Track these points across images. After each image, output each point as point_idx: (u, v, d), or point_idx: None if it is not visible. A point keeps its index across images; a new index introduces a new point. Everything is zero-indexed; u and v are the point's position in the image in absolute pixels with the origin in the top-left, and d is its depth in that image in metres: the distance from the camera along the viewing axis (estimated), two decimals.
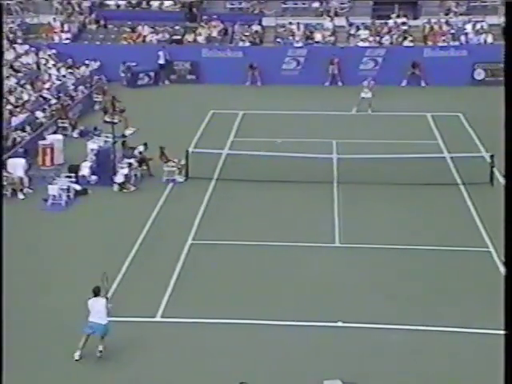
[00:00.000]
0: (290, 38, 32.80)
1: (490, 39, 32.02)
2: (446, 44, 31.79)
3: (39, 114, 23.96)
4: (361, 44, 32.16)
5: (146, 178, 20.20)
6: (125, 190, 19.29)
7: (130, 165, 19.73)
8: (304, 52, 31.80)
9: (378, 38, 32.35)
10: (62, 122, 24.45)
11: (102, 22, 34.18)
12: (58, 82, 27.90)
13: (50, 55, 30.93)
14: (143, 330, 12.59)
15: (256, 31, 33.07)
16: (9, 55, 29.12)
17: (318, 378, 10.91)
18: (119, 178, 19.36)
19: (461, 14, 33.47)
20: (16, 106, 23.68)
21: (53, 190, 18.47)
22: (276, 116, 26.44)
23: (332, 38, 32.71)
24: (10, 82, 25.76)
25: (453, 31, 32.45)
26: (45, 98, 25.70)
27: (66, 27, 33.39)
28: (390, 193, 18.91)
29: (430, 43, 32.07)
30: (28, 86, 26.35)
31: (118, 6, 35.28)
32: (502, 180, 19.53)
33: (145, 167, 20.37)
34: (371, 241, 16.08)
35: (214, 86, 30.19)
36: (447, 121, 25.61)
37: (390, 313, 13.08)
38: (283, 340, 12.30)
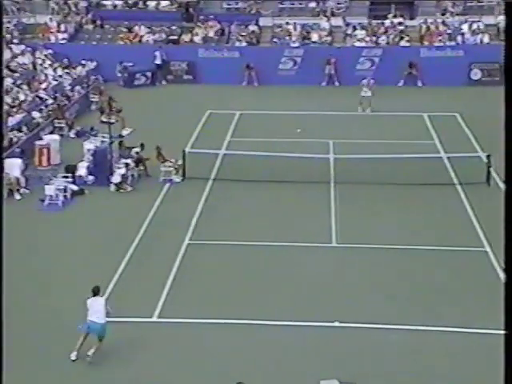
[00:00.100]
0: (287, 38, 32.81)
1: (486, 39, 32.08)
2: (442, 44, 31.83)
3: (36, 114, 23.93)
4: (357, 44, 32.19)
5: (143, 178, 20.19)
6: (122, 190, 19.27)
7: (126, 165, 19.71)
8: (301, 52, 31.81)
9: (374, 38, 32.38)
10: (59, 122, 24.42)
11: (98, 22, 34.15)
12: (55, 82, 27.87)
13: (46, 55, 30.90)
14: (140, 330, 12.58)
15: (253, 31, 33.07)
16: (5, 55, 29.06)
17: (316, 378, 10.91)
18: (116, 178, 19.34)
19: (457, 14, 33.52)
20: (12, 107, 23.65)
21: (49, 190, 18.45)
22: (273, 116, 26.45)
23: (329, 38, 32.73)
24: (7, 83, 25.70)
25: (449, 31, 32.50)
26: (41, 98, 25.68)
27: (62, 27, 33.35)
28: (387, 193, 18.93)
29: (426, 43, 32.11)
30: (24, 86, 26.32)
31: (115, 6, 35.25)
32: (498, 180, 19.57)
33: (142, 167, 20.36)
34: (368, 241, 16.09)
35: (210, 86, 30.18)
36: (444, 121, 25.64)
37: (388, 313, 13.10)
38: (280, 340, 12.30)
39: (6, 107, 23.05)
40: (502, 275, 14.45)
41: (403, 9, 34.20)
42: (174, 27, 33.55)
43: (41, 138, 22.07)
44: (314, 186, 19.27)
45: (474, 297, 13.71)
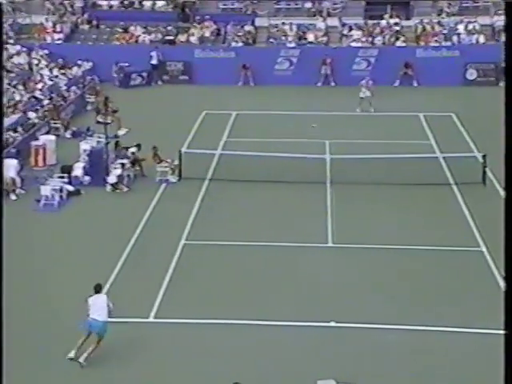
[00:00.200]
0: (283, 38, 32.84)
1: (481, 39, 32.16)
2: (438, 44, 31.90)
3: (31, 114, 23.89)
4: (353, 44, 32.22)
5: (139, 179, 20.17)
6: (118, 191, 19.26)
7: (122, 165, 19.70)
8: (297, 52, 31.84)
9: (370, 39, 32.42)
10: (55, 123, 24.39)
11: (94, 23, 34.12)
12: (51, 83, 27.83)
13: (42, 55, 30.85)
14: (137, 330, 12.57)
15: (249, 31, 33.09)
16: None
17: (313, 378, 10.91)
18: (112, 179, 19.32)
19: (453, 15, 33.61)
20: (8, 107, 23.60)
21: (45, 190, 18.42)
22: (269, 116, 26.45)
23: (325, 39, 32.76)
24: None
25: (445, 31, 32.57)
26: (37, 99, 25.63)
27: (58, 27, 33.32)
28: (383, 193, 18.95)
29: (422, 43, 32.17)
30: (20, 87, 26.27)
31: (111, 7, 35.23)
32: (494, 180, 19.61)
33: (138, 168, 20.35)
34: (364, 241, 16.11)
35: (206, 87, 30.18)
36: (440, 121, 25.68)
37: (384, 313, 13.10)
38: (277, 340, 12.30)
39: None
40: (497, 275, 14.47)
41: (399, 9, 34.26)
42: (169, 27, 33.54)
43: (37, 139, 22.04)
44: (311, 186, 19.28)
45: (471, 297, 13.72)
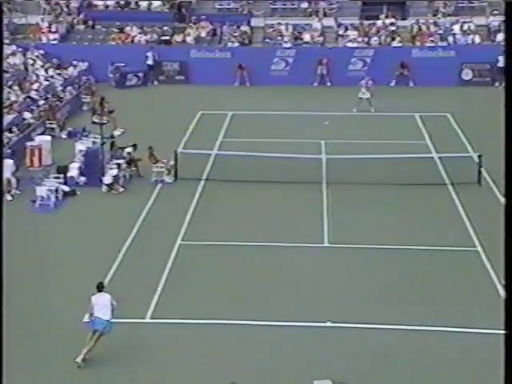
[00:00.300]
0: (279, 38, 32.84)
1: (477, 40, 32.21)
2: (433, 44, 31.94)
3: (27, 114, 23.84)
4: (349, 44, 32.24)
5: (135, 179, 20.15)
6: (113, 191, 19.23)
7: (118, 166, 19.67)
8: (293, 52, 31.85)
9: (366, 39, 32.44)
10: (50, 123, 24.35)
11: (90, 23, 34.07)
12: (46, 83, 27.78)
13: (37, 56, 30.80)
14: (133, 330, 12.55)
15: (245, 32, 33.09)
16: None
17: (309, 378, 10.92)
18: (108, 179, 19.30)
19: (448, 15, 33.66)
20: (3, 107, 23.56)
21: (41, 191, 18.39)
22: (265, 116, 26.46)
23: (321, 39, 32.78)
24: None
25: (440, 32, 32.61)
26: (32, 99, 25.59)
27: (53, 28, 33.27)
28: (379, 193, 18.97)
29: (418, 44, 32.21)
30: (15, 87, 26.22)
31: (107, 7, 35.19)
32: (489, 180, 19.65)
33: (133, 168, 20.33)
34: (360, 241, 16.12)
35: (202, 87, 30.17)
36: (435, 121, 25.72)
37: (381, 313, 13.11)
38: (273, 340, 12.31)
39: None
40: (493, 274, 14.50)
41: (395, 9, 34.31)
42: (165, 28, 33.52)
43: (32, 139, 22.00)
44: (306, 187, 19.28)
45: (467, 297, 13.74)
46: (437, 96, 28.78)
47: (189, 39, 32.98)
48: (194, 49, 32.17)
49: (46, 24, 33.37)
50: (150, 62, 31.66)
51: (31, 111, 24.29)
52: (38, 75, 28.45)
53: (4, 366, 6.24)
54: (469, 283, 14.33)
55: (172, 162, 20.15)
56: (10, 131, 21.96)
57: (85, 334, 11.92)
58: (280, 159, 20.34)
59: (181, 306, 13.39)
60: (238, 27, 33.23)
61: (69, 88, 28.05)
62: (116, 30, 33.39)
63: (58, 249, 15.94)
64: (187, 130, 24.72)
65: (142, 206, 18.09)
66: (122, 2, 34.98)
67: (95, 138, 21.16)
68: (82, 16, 34.29)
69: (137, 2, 34.90)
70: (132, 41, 33.13)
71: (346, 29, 32.95)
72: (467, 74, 31.24)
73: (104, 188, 19.27)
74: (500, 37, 31.89)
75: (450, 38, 32.32)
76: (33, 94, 25.98)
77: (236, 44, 32.53)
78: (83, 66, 30.99)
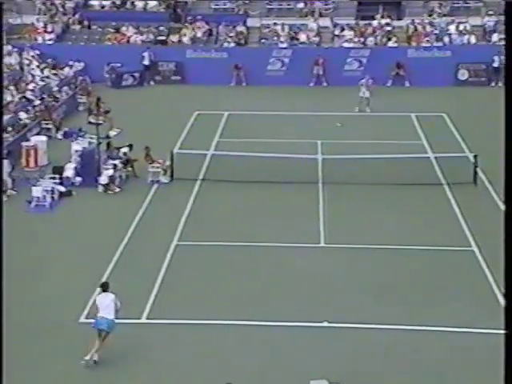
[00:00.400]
0: (275, 38, 32.85)
1: (473, 40, 32.27)
2: (429, 44, 31.98)
3: (23, 115, 23.79)
4: (345, 45, 32.26)
5: (131, 179, 20.14)
6: (109, 192, 19.21)
7: (114, 166, 19.65)
8: (289, 53, 31.86)
9: (362, 39, 32.47)
10: (46, 123, 24.31)
11: (85, 23, 34.01)
12: (42, 83, 27.74)
13: (33, 56, 30.75)
14: (129, 331, 12.53)
15: (241, 32, 33.08)
16: None
17: (305, 378, 10.92)
18: (104, 180, 19.28)
19: (444, 15, 33.71)
20: None
21: (37, 191, 18.36)
22: (261, 116, 26.46)
23: (317, 39, 32.80)
24: None
25: (436, 32, 32.66)
26: (28, 99, 25.54)
27: (49, 28, 33.20)
28: (374, 193, 18.99)
29: (413, 44, 32.25)
30: (11, 87, 26.16)
31: (102, 7, 35.14)
32: (485, 180, 19.69)
33: (130, 168, 20.31)
34: (356, 241, 16.13)
35: (198, 87, 30.16)
36: (431, 121, 25.76)
37: (377, 313, 13.13)
38: (270, 340, 12.31)
39: None
40: (489, 274, 14.53)
41: (390, 9, 34.33)
42: (161, 28, 33.49)
43: (28, 139, 21.96)
44: (303, 187, 19.29)
45: (462, 296, 13.75)
46: (433, 96, 28.83)
47: (185, 39, 32.96)
48: (190, 49, 32.16)
49: (41, 24, 33.30)
50: (146, 62, 31.63)
51: (27, 111, 24.24)
52: (33, 75, 28.40)
53: (4, 366, 6.23)
54: (465, 283, 14.34)
55: (168, 163, 20.14)
56: (6, 131, 21.92)
57: (82, 333, 11.97)
58: (276, 159, 20.34)
59: (177, 307, 13.39)
60: (234, 27, 33.22)
61: (65, 88, 28.01)
62: (112, 30, 33.35)
63: (54, 249, 15.91)
64: (183, 131, 24.71)
65: (138, 207, 18.08)
66: (117, 2, 34.93)
67: (91, 138, 21.13)
68: (77, 16, 34.22)
69: (133, 2, 34.85)
70: (128, 41, 33.09)
71: (342, 29, 32.97)
72: (463, 74, 31.29)
73: (100, 188, 19.24)
74: (495, 37, 31.97)
75: (446, 38, 32.37)
76: (28, 95, 25.93)
77: (232, 44, 32.52)
78: (79, 66, 30.94)
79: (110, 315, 11.40)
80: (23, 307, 13.22)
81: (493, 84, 30.88)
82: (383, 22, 33.26)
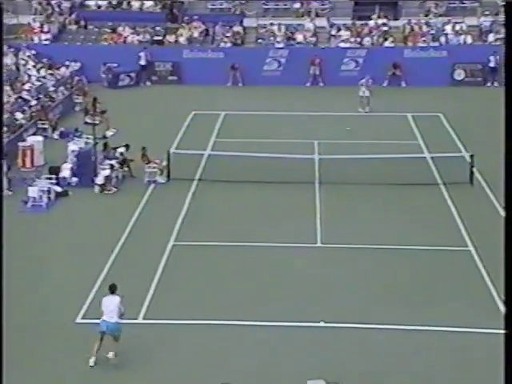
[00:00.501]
0: (272, 38, 32.87)
1: (469, 40, 32.33)
2: (425, 45, 32.03)
3: (19, 115, 23.76)
4: (342, 45, 32.30)
5: (128, 180, 20.13)
6: (106, 192, 19.20)
7: (111, 166, 19.64)
8: (285, 53, 31.88)
9: (358, 39, 32.51)
10: (42, 124, 24.29)
11: (82, 23, 33.99)
12: (38, 83, 27.70)
13: (29, 56, 30.70)
14: (126, 331, 12.51)
15: (237, 32, 33.09)
16: None
17: (302, 378, 10.93)
18: (100, 180, 19.27)
19: (440, 15, 33.77)
20: None
21: (33, 191, 18.34)
22: (258, 116, 26.47)
23: (313, 39, 32.82)
24: None
25: (432, 32, 32.71)
26: (24, 99, 25.50)
27: (45, 28, 33.16)
28: (371, 193, 19.01)
29: (410, 44, 32.31)
30: (7, 87, 26.11)
31: (99, 7, 35.11)
32: (481, 180, 19.74)
33: (126, 168, 20.30)
34: (353, 241, 16.15)
35: (195, 87, 30.16)
36: (428, 121, 25.80)
37: (374, 313, 13.14)
38: (267, 340, 12.31)
39: None
40: (485, 275, 14.55)
41: (387, 9, 34.39)
42: (158, 28, 33.48)
43: (24, 140, 21.94)
44: (299, 187, 19.31)
45: (460, 296, 13.76)
46: (429, 96, 28.88)
47: (181, 39, 32.95)
48: (187, 49, 32.16)
49: (37, 24, 33.26)
50: (142, 62, 31.63)
51: (23, 112, 24.21)
52: (29, 75, 28.36)
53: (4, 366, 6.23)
54: (462, 283, 14.36)
55: (165, 163, 20.13)
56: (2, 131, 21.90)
57: (79, 333, 11.98)
58: (273, 159, 20.36)
59: (174, 307, 13.38)
60: (231, 27, 33.23)
61: (61, 88, 27.98)
62: (108, 31, 33.32)
63: (51, 250, 15.89)
64: (180, 131, 24.71)
65: (135, 207, 18.07)
66: (114, 2, 34.90)
67: (88, 138, 21.13)
68: (73, 16, 34.19)
69: (129, 3, 34.84)
70: (124, 41, 33.07)
71: (339, 29, 33.01)
72: (459, 74, 31.35)
73: (96, 188, 19.23)
74: (491, 37, 32.04)
75: (442, 39, 32.42)
76: (24, 95, 25.89)
77: (228, 44, 32.52)
78: (75, 66, 30.92)
79: (112, 318, 11.40)
80: (20, 307, 13.20)
81: (489, 84, 30.94)
82: (380, 22, 33.31)
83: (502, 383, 4.85)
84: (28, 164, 20.89)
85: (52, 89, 27.58)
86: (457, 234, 16.54)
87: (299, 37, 32.79)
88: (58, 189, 18.95)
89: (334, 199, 18.59)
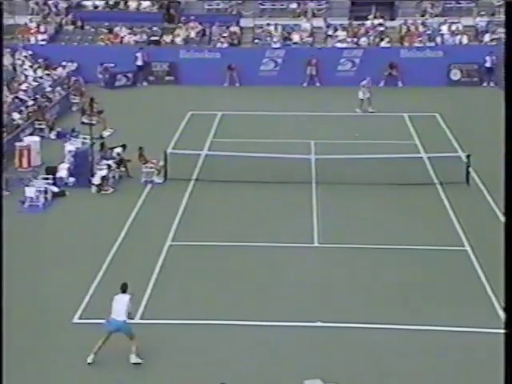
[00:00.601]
0: (268, 38, 32.90)
1: (465, 40, 32.41)
2: (422, 45, 32.10)
3: (15, 115, 23.75)
4: (338, 45, 32.35)
5: (125, 180, 20.13)
6: (103, 192, 19.20)
7: (108, 166, 19.64)
8: (282, 53, 31.91)
9: (355, 39, 32.55)
10: (39, 124, 24.28)
11: (78, 23, 33.97)
12: (35, 84, 27.69)
13: (26, 56, 30.68)
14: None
15: (234, 32, 33.11)
16: None
17: (299, 378, 10.95)
18: (97, 180, 19.27)
19: (436, 16, 33.84)
20: None
21: (30, 191, 18.33)
22: (254, 117, 26.49)
23: (310, 39, 32.86)
24: None
25: (429, 32, 32.78)
26: (21, 100, 25.49)
27: (42, 28, 33.14)
28: (368, 193, 19.05)
29: (406, 44, 32.37)
30: (4, 88, 26.09)
31: (96, 7, 35.10)
32: (477, 179, 19.79)
33: (123, 168, 20.30)
34: (349, 241, 16.18)
35: (192, 87, 30.17)
36: (424, 121, 25.85)
37: (370, 312, 13.17)
38: (263, 340, 12.33)
39: None
40: (481, 274, 14.60)
41: (383, 10, 34.44)
42: (155, 28, 33.49)
43: (21, 140, 21.92)
44: (296, 187, 19.33)
45: (459, 296, 13.79)
46: (425, 96, 28.93)
47: (178, 40, 32.96)
48: (184, 49, 32.17)
49: (34, 24, 33.24)
50: (139, 62, 31.62)
51: (20, 112, 24.20)
52: (26, 76, 28.34)
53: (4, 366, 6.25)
54: (460, 283, 14.38)
55: (162, 163, 20.14)
56: None
57: (76, 333, 11.98)
58: (270, 159, 20.38)
59: (171, 307, 13.40)
60: (228, 28, 33.25)
61: (58, 89, 27.97)
62: (105, 31, 33.32)
63: (47, 250, 15.89)
64: (177, 131, 24.71)
65: (132, 207, 18.08)
66: (110, 3, 34.90)
67: (84, 138, 21.12)
68: (70, 16, 34.17)
69: (126, 3, 34.83)
70: (121, 41, 33.07)
71: (335, 29, 33.06)
72: (455, 75, 31.42)
73: (93, 189, 19.23)
74: (487, 37, 32.12)
75: (438, 39, 32.49)
76: (21, 95, 25.87)
77: (225, 44, 32.55)
78: (72, 66, 30.91)
79: (119, 317, 11.44)
80: (16, 307, 13.19)
81: (485, 84, 31.02)
82: (376, 22, 33.36)
83: (501, 383, 4.86)
84: (25, 164, 20.88)
85: (49, 89, 27.57)
86: (453, 234, 16.58)
87: (296, 37, 32.83)
88: (55, 189, 18.95)
89: (331, 199, 18.62)
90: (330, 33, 33.07)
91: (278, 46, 32.33)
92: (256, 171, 19.88)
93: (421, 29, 32.94)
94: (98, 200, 18.88)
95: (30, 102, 25.33)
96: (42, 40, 32.76)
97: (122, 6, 34.90)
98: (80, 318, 12.86)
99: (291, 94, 29.51)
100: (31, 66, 29.75)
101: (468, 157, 19.72)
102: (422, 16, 33.88)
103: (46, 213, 18.04)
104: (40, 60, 30.41)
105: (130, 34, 33.12)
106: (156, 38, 33.06)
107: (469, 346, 12.09)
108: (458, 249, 15.85)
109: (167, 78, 31.86)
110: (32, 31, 32.96)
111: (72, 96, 28.28)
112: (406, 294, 13.93)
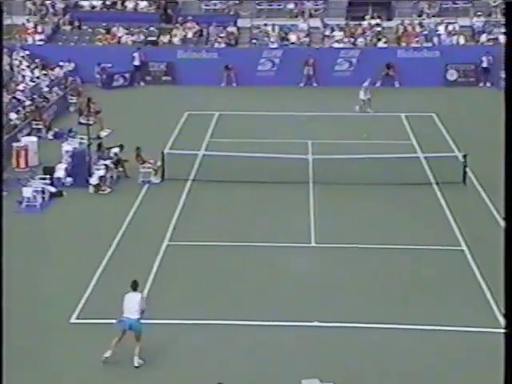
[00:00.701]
0: (265, 39, 32.92)
1: (461, 40, 32.47)
2: (419, 45, 32.15)
3: (13, 115, 23.75)
4: (335, 45, 32.38)
5: (122, 180, 20.14)
6: (100, 192, 19.21)
7: (105, 166, 19.65)
8: (279, 53, 31.94)
9: (352, 40, 32.60)
10: (37, 124, 24.27)
11: (76, 23, 33.95)
12: (32, 84, 27.68)
13: (23, 56, 30.67)
14: (120, 331, 12.54)
15: (231, 32, 33.13)
16: None
17: (297, 378, 10.98)
18: (94, 180, 19.28)
19: (433, 16, 33.89)
20: None
21: (27, 192, 18.34)
22: (252, 117, 26.51)
23: (307, 39, 32.89)
24: None
25: (425, 32, 32.84)
26: (18, 100, 25.48)
27: (39, 28, 33.12)
28: (365, 193, 19.08)
29: (403, 44, 32.42)
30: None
31: (93, 7, 35.09)
32: (474, 179, 19.84)
33: (121, 169, 20.31)
34: (347, 240, 16.21)
35: (189, 88, 30.17)
36: (421, 121, 25.89)
37: (368, 312, 13.20)
38: (261, 340, 12.36)
39: None
40: (478, 274, 14.64)
41: (380, 10, 34.49)
42: (152, 28, 33.48)
43: (18, 140, 21.92)
44: (293, 187, 19.36)
45: (455, 296, 13.83)
46: (422, 96, 28.98)
47: (175, 40, 32.97)
48: (181, 49, 32.17)
49: (31, 24, 33.22)
50: (136, 62, 31.61)
51: (17, 112, 24.19)
52: (23, 76, 28.32)
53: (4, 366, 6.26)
54: (457, 282, 14.43)
55: (159, 163, 20.16)
56: None
57: (74, 333, 11.97)
58: (267, 159, 20.40)
59: (168, 307, 13.41)
60: (225, 28, 33.27)
61: (55, 89, 27.96)
62: (102, 31, 33.30)
63: (45, 250, 15.89)
64: (174, 131, 24.72)
65: (129, 207, 18.09)
66: (108, 3, 34.89)
67: (82, 138, 21.12)
68: (67, 16, 34.15)
69: (123, 3, 34.82)
70: (118, 41, 33.05)
71: (332, 29, 33.09)
72: (452, 75, 31.48)
73: (91, 189, 19.24)
74: (484, 38, 32.18)
75: (435, 39, 32.55)
76: (19, 95, 25.87)
77: (223, 45, 32.56)
78: (69, 66, 30.89)
79: (133, 315, 11.45)
80: (13, 307, 13.20)
81: (481, 84, 31.08)
82: (373, 22, 33.40)
83: (501, 383, 4.89)
84: (22, 164, 20.87)
85: (46, 89, 27.55)
86: (450, 234, 16.62)
87: (293, 37, 32.85)
88: (53, 189, 18.95)
89: (328, 199, 18.65)
90: (327, 33, 33.10)
91: (275, 46, 32.35)
92: (253, 171, 19.90)
93: (418, 29, 32.99)
94: (96, 200, 18.89)
95: (28, 102, 25.32)
96: (40, 40, 32.74)
97: (119, 6, 34.90)
98: (77, 318, 12.87)
99: (288, 94, 29.54)
100: (28, 66, 29.73)
101: (465, 157, 19.77)
102: (419, 16, 33.93)
103: (43, 213, 18.04)
104: (37, 60, 30.40)
105: (127, 34, 33.12)
106: (153, 38, 33.06)
107: (468, 345, 12.12)
108: (455, 248, 15.89)
109: (164, 78, 31.86)
110: (29, 31, 32.93)
111: (69, 96, 28.27)
112: (403, 293, 13.96)
